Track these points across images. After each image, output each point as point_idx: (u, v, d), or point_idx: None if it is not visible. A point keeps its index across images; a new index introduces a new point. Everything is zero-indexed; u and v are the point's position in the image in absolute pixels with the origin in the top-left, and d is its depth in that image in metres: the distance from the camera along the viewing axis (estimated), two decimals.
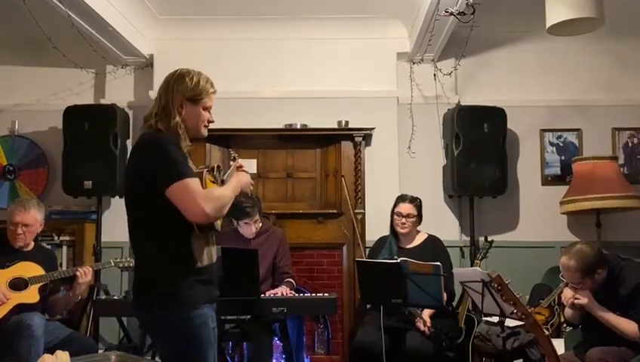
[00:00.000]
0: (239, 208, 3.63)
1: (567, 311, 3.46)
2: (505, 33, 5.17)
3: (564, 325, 4.24)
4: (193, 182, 2.32)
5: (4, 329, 3.56)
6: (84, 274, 3.83)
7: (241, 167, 2.63)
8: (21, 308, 3.65)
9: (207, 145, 4.94)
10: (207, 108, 2.52)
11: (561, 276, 3.36)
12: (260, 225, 4.29)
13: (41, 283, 3.76)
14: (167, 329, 2.39)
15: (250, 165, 4.83)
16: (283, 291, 4.01)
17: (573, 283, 3.26)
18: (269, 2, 4.81)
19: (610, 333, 3.20)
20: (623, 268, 3.26)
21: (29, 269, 3.77)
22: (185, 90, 2.45)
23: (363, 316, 4.39)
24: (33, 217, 3.88)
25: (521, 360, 4.09)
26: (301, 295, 4.31)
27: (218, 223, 2.55)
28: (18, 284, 3.70)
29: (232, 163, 2.65)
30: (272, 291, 4.04)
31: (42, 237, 4.51)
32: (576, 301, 3.25)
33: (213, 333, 2.42)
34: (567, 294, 3.32)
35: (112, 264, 4.07)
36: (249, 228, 4.17)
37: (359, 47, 5.18)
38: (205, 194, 2.33)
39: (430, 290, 3.56)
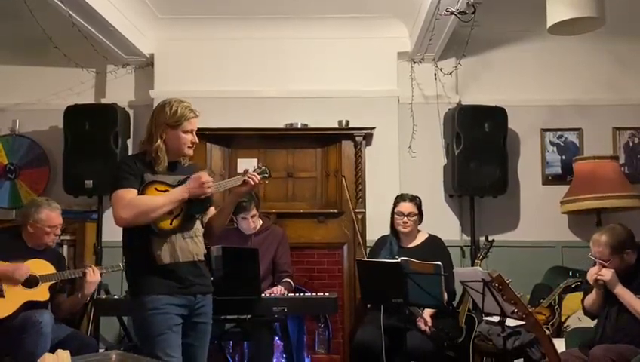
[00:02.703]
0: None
1: (588, 299, 3.50)
2: (506, 32, 5.16)
3: (565, 324, 4.24)
4: (123, 192, 2.74)
5: (13, 325, 3.56)
6: (93, 273, 3.84)
7: (246, 175, 2.95)
8: (30, 306, 3.64)
9: (208, 144, 4.96)
10: (187, 132, 2.87)
11: (591, 255, 3.41)
12: (261, 222, 4.30)
13: (51, 282, 3.76)
14: (131, 311, 2.91)
15: (251, 165, 4.83)
16: (279, 291, 4.01)
17: (602, 259, 3.33)
18: (269, 2, 4.81)
19: (622, 329, 3.23)
20: None
21: (41, 267, 3.76)
22: (165, 118, 2.84)
23: (363, 315, 4.39)
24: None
25: (522, 359, 4.09)
26: (302, 294, 4.32)
27: (194, 227, 2.86)
28: (29, 281, 3.68)
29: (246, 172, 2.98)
30: (269, 290, 4.04)
31: None
32: (599, 276, 3.31)
33: (170, 321, 2.73)
34: (593, 271, 3.38)
35: (121, 267, 4.06)
36: (247, 223, 4.18)
37: (360, 47, 5.18)
38: (126, 203, 2.72)
39: (431, 290, 3.56)
